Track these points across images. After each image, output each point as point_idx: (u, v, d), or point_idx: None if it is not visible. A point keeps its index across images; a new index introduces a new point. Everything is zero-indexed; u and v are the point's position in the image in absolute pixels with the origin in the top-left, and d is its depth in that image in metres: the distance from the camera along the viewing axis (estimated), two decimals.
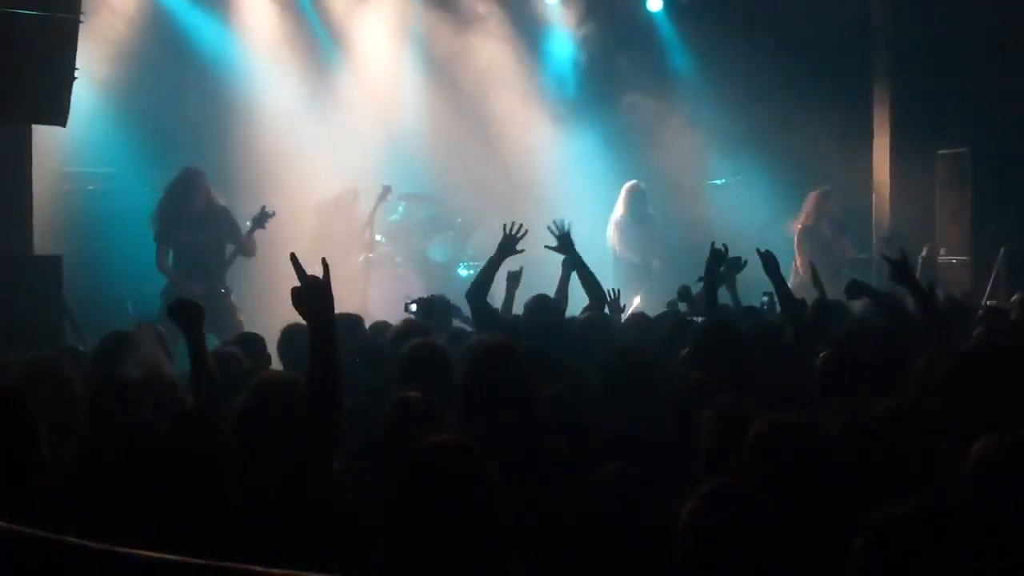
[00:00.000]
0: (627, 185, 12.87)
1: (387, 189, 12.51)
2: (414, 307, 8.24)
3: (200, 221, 10.46)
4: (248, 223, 10.48)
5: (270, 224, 10.42)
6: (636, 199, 12.78)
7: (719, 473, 3.69)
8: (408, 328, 6.90)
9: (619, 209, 12.83)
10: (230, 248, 10.55)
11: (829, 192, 12.55)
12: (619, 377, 5.57)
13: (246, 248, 10.52)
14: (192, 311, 5.25)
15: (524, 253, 7.78)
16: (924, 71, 12.90)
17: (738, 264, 8.23)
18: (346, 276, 11.91)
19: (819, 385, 5.53)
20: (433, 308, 8.00)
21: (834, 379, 5.45)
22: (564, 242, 8.16)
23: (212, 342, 8.72)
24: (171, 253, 10.49)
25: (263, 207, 10.41)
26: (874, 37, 13.76)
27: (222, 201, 10.70)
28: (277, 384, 4.48)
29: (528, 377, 4.80)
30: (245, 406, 4.42)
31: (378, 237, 13.01)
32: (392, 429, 4.57)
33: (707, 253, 7.43)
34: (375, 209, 12.55)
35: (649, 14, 14.10)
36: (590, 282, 8.08)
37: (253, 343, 6.93)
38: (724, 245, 7.47)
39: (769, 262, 7.22)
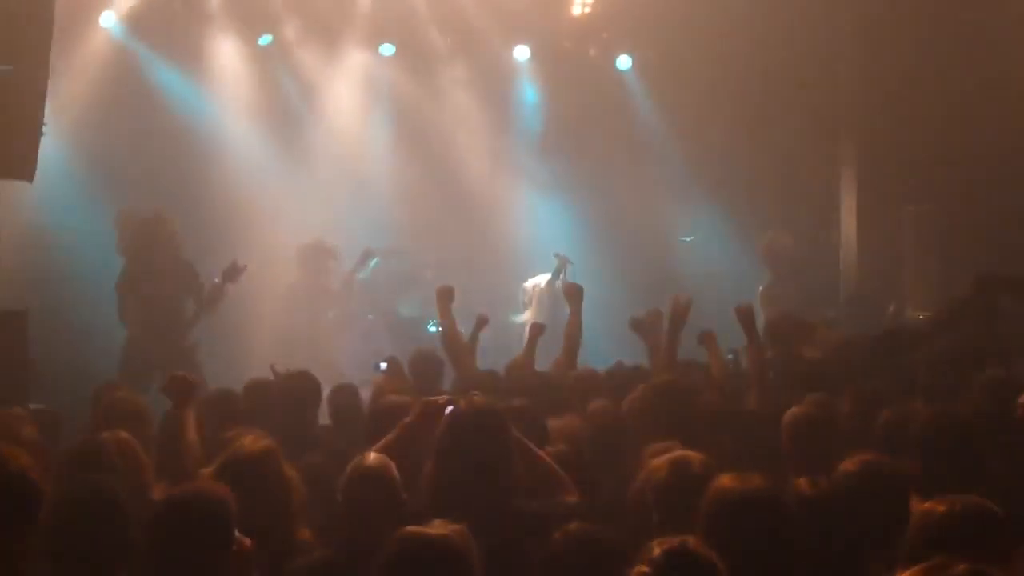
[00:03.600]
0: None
1: (368, 251, 12.45)
2: (383, 365, 8.24)
3: (164, 274, 10.41)
4: (216, 279, 10.44)
5: (238, 280, 10.39)
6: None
7: (670, 531, 3.64)
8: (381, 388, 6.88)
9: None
10: (191, 305, 10.48)
11: (777, 239, 12.55)
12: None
13: (211, 298, 10.44)
14: (186, 388, 5.22)
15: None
16: (890, 129, 13.01)
17: None
18: (316, 333, 11.91)
19: (786, 443, 5.54)
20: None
21: (802, 438, 5.46)
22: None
23: None
24: (133, 305, 10.41)
25: (234, 260, 10.37)
26: (841, 96, 13.87)
27: (185, 254, 10.68)
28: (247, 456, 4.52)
29: (508, 441, 4.78)
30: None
31: None
32: (349, 496, 4.57)
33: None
34: (355, 270, 12.49)
35: (619, 72, 14.16)
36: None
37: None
38: (688, 296, 7.47)
39: (745, 318, 7.26)
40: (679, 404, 5.99)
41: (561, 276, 11.92)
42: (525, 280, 12.88)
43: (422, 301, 13.58)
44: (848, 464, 4.38)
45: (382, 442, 5.09)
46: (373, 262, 13.39)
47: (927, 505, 3.83)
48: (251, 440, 4.69)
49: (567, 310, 8.90)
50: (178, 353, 10.18)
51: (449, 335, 7.78)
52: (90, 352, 11.36)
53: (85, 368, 10.77)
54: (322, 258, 12.43)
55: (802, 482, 4.27)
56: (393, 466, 4.66)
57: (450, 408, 5.04)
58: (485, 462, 4.69)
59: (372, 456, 4.72)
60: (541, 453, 5.01)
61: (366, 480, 4.56)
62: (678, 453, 4.63)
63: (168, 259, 10.45)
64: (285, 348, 10.92)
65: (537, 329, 8.62)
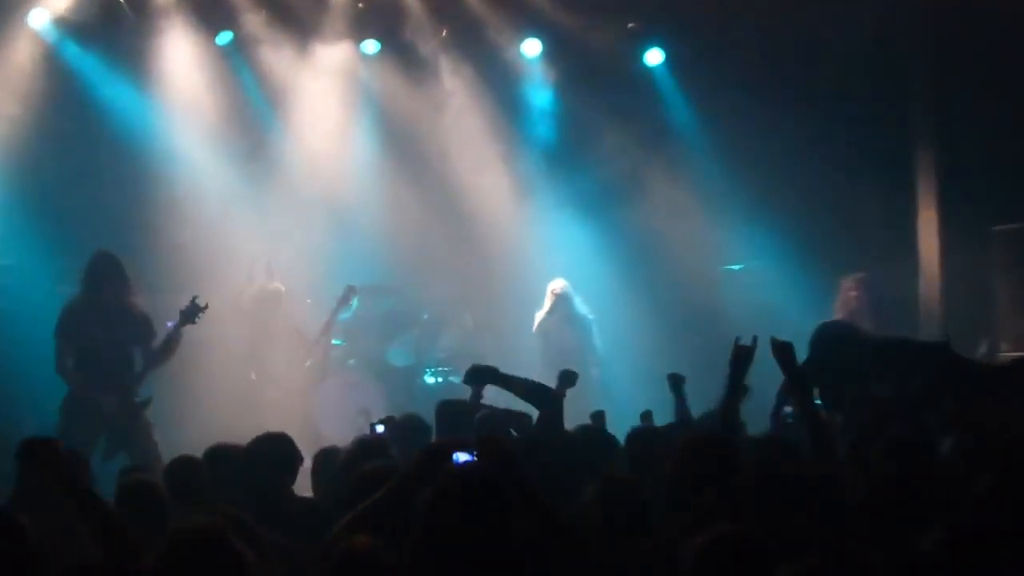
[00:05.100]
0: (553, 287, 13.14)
1: (351, 289, 12.47)
2: (381, 428, 8.18)
3: (113, 318, 10.41)
4: (169, 323, 10.43)
5: (199, 320, 10.39)
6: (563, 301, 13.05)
7: None
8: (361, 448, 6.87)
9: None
10: (141, 355, 10.46)
11: (862, 280, 12.49)
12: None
13: (166, 345, 10.41)
14: (48, 456, 4.99)
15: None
16: (975, 135, 13.00)
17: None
18: (290, 388, 11.90)
19: (864, 520, 5.51)
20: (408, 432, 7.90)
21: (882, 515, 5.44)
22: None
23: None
24: (75, 354, 10.40)
25: (194, 298, 10.38)
26: (916, 98, 13.85)
27: (137, 298, 10.67)
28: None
29: (507, 511, 4.76)
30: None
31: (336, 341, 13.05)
32: None
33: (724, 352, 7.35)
34: (336, 312, 12.49)
35: (647, 69, 14.12)
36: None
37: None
38: (754, 337, 7.32)
39: (783, 354, 7.07)
40: (719, 463, 5.96)
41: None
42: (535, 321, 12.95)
43: (416, 347, 13.58)
44: (933, 534, 4.37)
45: (372, 499, 5.07)
46: (354, 302, 13.42)
47: None
48: (199, 518, 4.72)
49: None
50: (127, 410, 10.19)
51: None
52: (20, 408, 11.37)
53: (14, 426, 10.74)
54: (271, 307, 12.48)
55: (878, 556, 4.26)
56: (384, 553, 4.67)
57: (457, 456, 5.04)
58: (478, 541, 4.68)
59: (359, 540, 4.73)
60: (552, 510, 5.03)
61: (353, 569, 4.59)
62: (719, 530, 4.59)
63: (120, 299, 10.45)
64: (250, 406, 10.94)
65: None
